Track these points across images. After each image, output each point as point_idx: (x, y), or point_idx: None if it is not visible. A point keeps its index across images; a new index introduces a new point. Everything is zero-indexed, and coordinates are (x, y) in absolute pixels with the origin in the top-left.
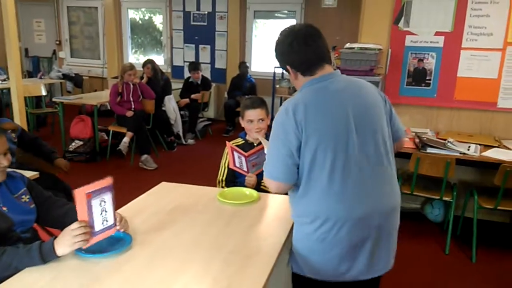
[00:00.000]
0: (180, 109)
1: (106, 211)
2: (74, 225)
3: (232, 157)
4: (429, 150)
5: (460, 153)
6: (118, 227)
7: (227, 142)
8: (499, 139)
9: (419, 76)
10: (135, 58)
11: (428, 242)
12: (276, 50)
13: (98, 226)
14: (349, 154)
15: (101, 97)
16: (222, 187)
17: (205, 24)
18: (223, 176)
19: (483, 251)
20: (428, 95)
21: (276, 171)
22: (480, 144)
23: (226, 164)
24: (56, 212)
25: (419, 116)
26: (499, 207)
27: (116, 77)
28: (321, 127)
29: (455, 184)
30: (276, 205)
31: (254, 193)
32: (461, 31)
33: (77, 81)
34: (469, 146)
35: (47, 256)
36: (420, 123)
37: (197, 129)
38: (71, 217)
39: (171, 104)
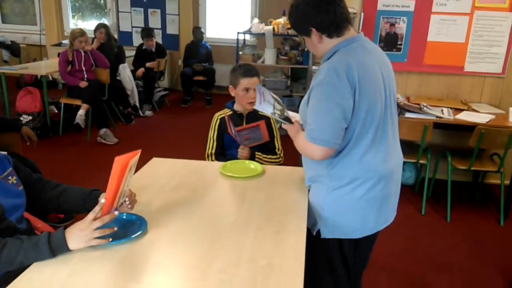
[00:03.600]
0: (135, 79)
1: (127, 186)
2: (91, 216)
3: (229, 124)
4: (407, 114)
5: (436, 117)
6: (127, 202)
7: (223, 113)
8: (466, 102)
9: (390, 41)
10: (74, 23)
11: (403, 204)
12: (297, 12)
13: (121, 199)
14: (386, 114)
15: (48, 66)
16: (212, 160)
17: None
18: (212, 149)
19: (455, 210)
20: (399, 59)
21: (328, 136)
22: (450, 108)
23: (215, 137)
24: (48, 194)
25: None
26: (472, 168)
27: (56, 45)
28: (370, 88)
29: (428, 147)
30: (284, 176)
31: (258, 165)
32: None
33: (14, 50)
34: (442, 110)
35: (57, 249)
36: None
37: (154, 99)
38: (66, 200)
39: (126, 73)
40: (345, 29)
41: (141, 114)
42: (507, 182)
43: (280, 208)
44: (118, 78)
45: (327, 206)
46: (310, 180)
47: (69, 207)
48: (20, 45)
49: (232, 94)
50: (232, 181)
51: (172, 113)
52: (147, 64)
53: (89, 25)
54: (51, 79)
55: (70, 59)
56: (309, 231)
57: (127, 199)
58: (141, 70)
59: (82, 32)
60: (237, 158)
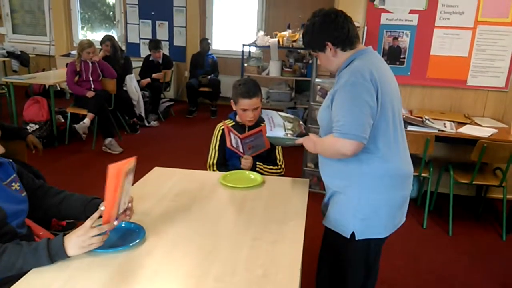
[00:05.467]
0: (141, 89)
1: (128, 193)
2: (89, 223)
3: (228, 137)
4: (410, 128)
5: (438, 130)
6: (128, 211)
7: (223, 124)
8: (469, 116)
9: (393, 54)
10: (83, 35)
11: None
12: (314, 28)
13: (122, 207)
14: (400, 119)
15: (56, 76)
16: (214, 170)
17: None
18: (214, 159)
19: (457, 224)
20: (402, 73)
21: (358, 130)
22: (453, 121)
23: (217, 147)
24: (50, 201)
25: None
26: (474, 182)
27: (65, 55)
28: (388, 91)
29: (430, 160)
30: (283, 187)
31: (258, 176)
32: (434, 9)
33: (24, 60)
34: (445, 123)
35: (56, 255)
36: None
37: (159, 110)
38: (67, 207)
39: (132, 84)
40: (356, 43)
41: (147, 124)
42: (509, 196)
43: (278, 218)
44: (124, 88)
45: (362, 207)
46: (339, 186)
47: (70, 214)
48: (30, 55)
49: (234, 108)
50: (231, 191)
51: (177, 123)
52: (153, 75)
53: (98, 36)
54: (59, 88)
55: (78, 69)
56: (335, 236)
57: (130, 204)
58: (146, 80)
59: (90, 43)
60: (239, 168)
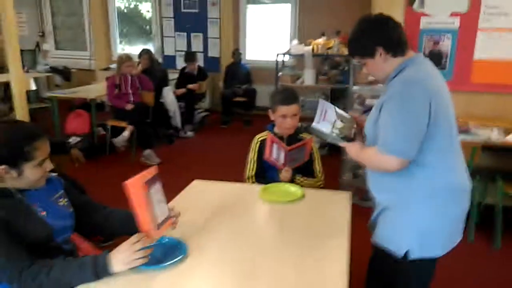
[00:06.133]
0: (177, 100)
1: (161, 202)
2: (134, 239)
3: (270, 148)
4: None
5: (486, 138)
6: (174, 218)
7: (267, 134)
8: None
9: (434, 59)
10: (121, 48)
11: None
12: (364, 32)
13: (160, 218)
14: (455, 129)
15: (96, 90)
16: (253, 182)
17: (197, 11)
18: (252, 171)
19: (506, 237)
20: (444, 78)
21: (406, 147)
22: (501, 128)
23: (255, 159)
24: (95, 217)
25: None
26: None
27: (105, 69)
28: (442, 100)
29: (476, 170)
30: (324, 200)
31: (298, 188)
32: (477, 11)
33: (66, 74)
34: (492, 130)
35: (102, 272)
36: None
37: (195, 120)
38: (113, 223)
39: (169, 96)
40: (407, 48)
41: (183, 135)
42: None
43: (321, 234)
44: (161, 100)
45: (430, 221)
46: (389, 200)
47: (115, 231)
48: (72, 70)
49: (272, 118)
50: (272, 205)
51: (212, 133)
52: (189, 86)
53: (135, 49)
54: (99, 102)
55: (118, 82)
56: (385, 256)
57: (172, 212)
58: (180, 90)
59: (128, 57)
60: (276, 181)
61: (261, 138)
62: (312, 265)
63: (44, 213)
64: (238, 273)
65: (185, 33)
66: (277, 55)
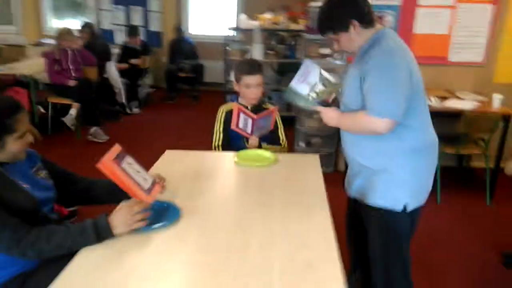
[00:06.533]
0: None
1: (139, 171)
2: (131, 203)
3: (237, 117)
4: None
5: None
6: (162, 182)
7: (234, 104)
8: (451, 91)
9: None
10: (51, 22)
11: None
12: (334, 7)
13: (145, 185)
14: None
15: (28, 66)
16: (220, 151)
17: None
18: (219, 141)
19: (444, 192)
20: None
21: (398, 110)
22: (437, 96)
23: (221, 129)
24: (76, 188)
25: None
26: (460, 152)
27: (36, 44)
28: (416, 68)
29: None
30: (297, 163)
31: (271, 154)
32: None
33: None
34: (430, 98)
35: (103, 234)
36: None
37: (140, 97)
38: (96, 192)
39: (113, 71)
40: (375, 20)
41: (128, 112)
42: (491, 164)
43: (301, 191)
44: (105, 76)
45: (408, 179)
46: (381, 164)
47: (99, 199)
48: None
49: (236, 89)
50: (248, 170)
51: (159, 110)
52: (132, 61)
53: (66, 23)
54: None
55: (57, 58)
56: (381, 215)
57: (157, 179)
58: (123, 65)
59: (70, 31)
60: (243, 149)
61: (227, 109)
62: (298, 218)
63: (27, 185)
64: (232, 229)
65: (124, 7)
66: (228, 29)
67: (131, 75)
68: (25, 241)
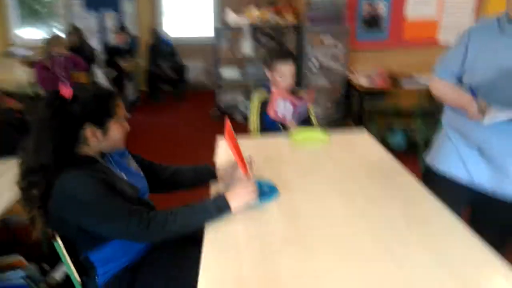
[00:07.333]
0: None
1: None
2: (244, 181)
3: (276, 105)
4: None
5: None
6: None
7: (275, 91)
8: None
9: (373, 22)
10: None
11: None
12: None
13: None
14: None
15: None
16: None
17: None
18: (257, 131)
19: None
20: (381, 38)
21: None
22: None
23: (257, 118)
24: (163, 176)
25: (373, 58)
26: None
27: (4, 55)
28: None
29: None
30: (351, 140)
31: (322, 133)
32: None
33: None
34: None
35: (224, 208)
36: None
37: (129, 100)
38: (182, 177)
39: (100, 74)
40: None
41: None
42: None
43: (377, 167)
44: (95, 80)
45: None
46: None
47: (184, 184)
48: None
49: (268, 76)
50: (309, 149)
51: (145, 112)
52: (123, 65)
53: (35, 32)
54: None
55: (48, 65)
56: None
57: (249, 159)
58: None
59: (57, 37)
60: None
61: (260, 99)
62: (394, 198)
63: (125, 176)
64: (330, 200)
65: (97, 12)
66: (209, 28)
67: (117, 78)
68: (154, 224)
